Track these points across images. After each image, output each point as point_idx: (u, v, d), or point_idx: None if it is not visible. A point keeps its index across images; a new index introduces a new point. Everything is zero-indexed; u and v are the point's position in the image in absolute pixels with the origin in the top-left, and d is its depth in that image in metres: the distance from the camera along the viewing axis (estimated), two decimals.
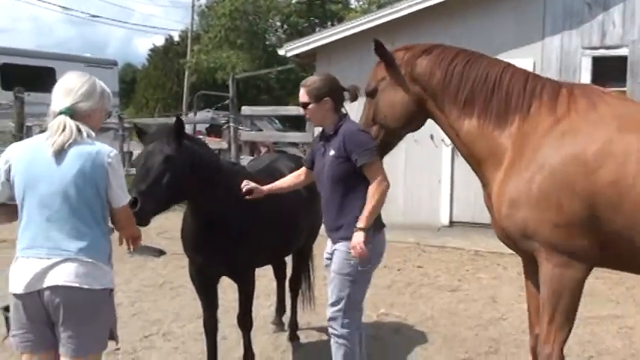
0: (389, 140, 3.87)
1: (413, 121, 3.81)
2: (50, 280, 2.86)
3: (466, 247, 9.00)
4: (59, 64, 17.82)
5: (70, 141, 2.90)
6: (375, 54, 3.78)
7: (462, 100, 3.59)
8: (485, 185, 3.66)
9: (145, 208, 3.55)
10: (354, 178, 3.73)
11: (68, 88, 3.01)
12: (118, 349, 5.16)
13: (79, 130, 2.93)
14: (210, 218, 4.20)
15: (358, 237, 3.62)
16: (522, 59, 8.63)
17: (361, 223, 3.64)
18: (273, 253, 4.40)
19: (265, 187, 4.09)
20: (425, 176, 10.31)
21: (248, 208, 4.11)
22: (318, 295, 6.55)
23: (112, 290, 3.04)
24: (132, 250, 3.46)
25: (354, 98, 3.91)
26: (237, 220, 4.18)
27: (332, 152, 3.78)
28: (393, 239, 9.25)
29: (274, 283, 5.94)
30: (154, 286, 7.06)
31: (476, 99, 3.57)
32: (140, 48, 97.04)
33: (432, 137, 9.72)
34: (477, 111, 3.57)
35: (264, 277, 6.45)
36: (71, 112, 2.96)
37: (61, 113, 2.95)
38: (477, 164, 3.67)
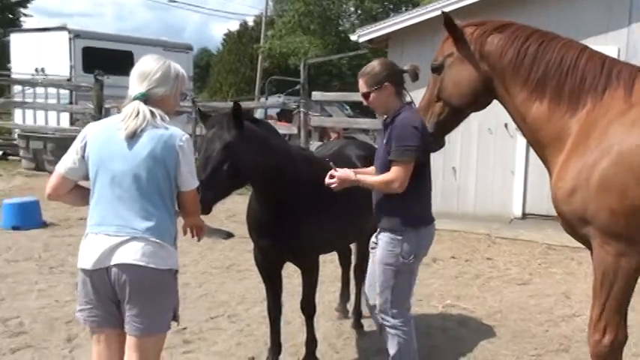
0: (452, 119, 3.76)
1: (478, 100, 3.68)
2: (118, 258, 2.92)
3: (539, 240, 8.71)
4: (137, 48, 18.21)
5: (143, 125, 2.95)
6: (445, 28, 3.66)
7: (534, 81, 3.44)
8: (550, 171, 3.52)
9: (205, 198, 3.51)
10: None
11: (144, 73, 3.05)
12: (184, 328, 5.26)
13: (152, 115, 2.98)
14: (274, 202, 4.17)
15: (346, 172, 3.72)
16: (606, 46, 8.25)
17: (357, 173, 3.76)
18: (338, 239, 4.35)
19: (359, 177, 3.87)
20: (498, 166, 10.05)
21: (314, 194, 4.06)
22: None
23: (176, 271, 3.08)
24: (197, 240, 3.50)
25: (414, 78, 3.79)
26: (302, 206, 4.15)
27: (384, 140, 3.72)
28: (462, 229, 9.21)
29: (340, 270, 5.91)
30: (222, 268, 7.14)
31: (548, 81, 3.41)
32: (216, 33, 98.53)
33: (506, 126, 9.46)
34: (549, 94, 3.41)
35: (331, 262, 6.44)
36: (145, 98, 3.01)
37: (135, 99, 3.01)
38: (542, 148, 3.53)
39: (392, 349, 3.90)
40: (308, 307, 4.53)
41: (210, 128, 3.88)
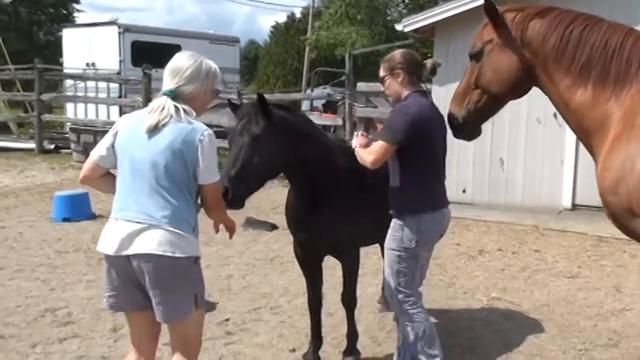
0: (490, 106, 3.67)
1: (518, 87, 3.58)
2: (136, 248, 2.99)
3: (589, 232, 8.48)
4: (185, 41, 18.40)
5: (165, 120, 3.00)
6: (485, 13, 3.57)
7: (578, 67, 3.32)
8: (596, 159, 3.40)
9: (236, 192, 3.52)
10: (401, 155, 3.76)
11: (175, 70, 3.10)
12: (227, 320, 5.31)
13: (176, 110, 3.03)
14: (310, 195, 4.15)
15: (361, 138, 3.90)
16: None
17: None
18: (377, 231, 4.31)
19: None
20: (547, 157, 9.83)
21: (351, 185, 4.03)
22: (427, 275, 6.42)
23: (197, 258, 3.10)
24: (230, 238, 3.52)
25: (432, 73, 3.93)
26: (339, 197, 4.11)
27: None
28: (510, 221, 9.05)
29: (382, 262, 5.85)
30: (265, 259, 7.17)
31: (593, 67, 3.28)
32: (263, 25, 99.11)
33: (555, 116, 9.20)
34: (593, 79, 3.28)
35: (374, 254, 6.40)
36: (174, 94, 3.07)
37: (164, 94, 3.06)
38: (587, 136, 3.40)
39: (410, 336, 3.94)
40: (349, 300, 4.50)
41: (238, 120, 3.85)
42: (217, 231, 3.39)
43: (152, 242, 2.97)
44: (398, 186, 3.83)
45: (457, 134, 3.79)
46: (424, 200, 3.80)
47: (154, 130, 3.00)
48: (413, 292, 3.92)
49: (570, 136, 9.48)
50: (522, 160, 9.97)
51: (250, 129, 3.76)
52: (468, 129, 3.72)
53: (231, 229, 3.40)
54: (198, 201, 3.20)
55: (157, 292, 3.02)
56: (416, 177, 3.78)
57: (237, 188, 3.54)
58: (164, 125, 3.00)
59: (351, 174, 4.10)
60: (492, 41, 3.54)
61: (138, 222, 3.00)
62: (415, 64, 3.89)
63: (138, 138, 3.05)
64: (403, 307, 3.91)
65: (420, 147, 3.74)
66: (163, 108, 3.02)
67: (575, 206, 9.76)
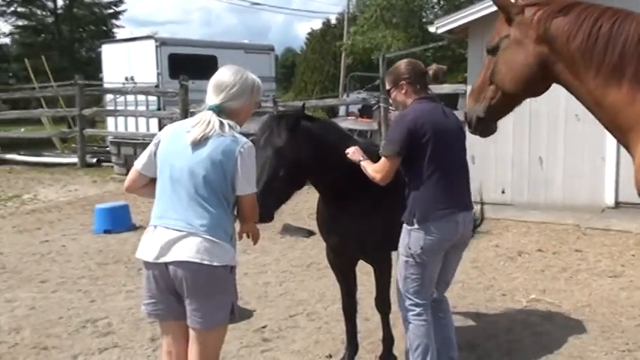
0: (504, 104, 3.54)
1: (533, 85, 3.45)
2: (174, 255, 3.03)
3: (633, 230, 8.28)
4: (220, 52, 18.61)
5: (210, 133, 3.06)
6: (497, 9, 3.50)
7: (610, 65, 3.19)
8: (633, 157, 3.28)
9: (264, 206, 3.48)
10: (406, 163, 3.76)
11: (221, 85, 3.16)
12: (264, 327, 5.33)
13: (221, 125, 3.09)
14: (339, 201, 4.15)
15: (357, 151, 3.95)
16: None
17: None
18: None
19: None
20: (587, 154, 9.61)
21: (381, 189, 4.01)
22: (464, 278, 6.36)
23: (232, 267, 3.13)
24: (254, 244, 3.56)
25: (434, 80, 3.97)
26: (367, 202, 4.09)
27: None
28: (550, 221, 8.88)
29: None
30: (302, 266, 7.18)
31: (626, 63, 3.14)
32: (300, 32, 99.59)
33: None
34: (628, 77, 3.14)
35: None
36: (219, 110, 3.12)
37: (210, 109, 3.12)
38: (622, 134, 3.26)
39: (406, 342, 3.97)
40: (383, 305, 4.48)
41: (261, 134, 3.86)
42: (241, 238, 3.42)
43: (190, 250, 3.01)
44: (407, 193, 3.82)
45: (471, 130, 3.72)
46: (432, 207, 3.73)
47: (198, 143, 3.06)
48: (420, 302, 3.86)
49: None
50: (562, 158, 9.79)
51: (274, 141, 3.78)
52: (482, 126, 3.63)
53: (255, 237, 3.44)
54: (235, 212, 3.25)
55: (194, 300, 3.06)
56: (421, 183, 3.74)
57: (266, 202, 3.52)
58: (207, 138, 3.06)
59: None
60: (509, 37, 3.45)
61: (176, 229, 3.06)
62: (418, 74, 3.90)
63: (179, 148, 3.11)
64: (407, 315, 3.89)
65: (423, 153, 3.70)
66: (209, 122, 3.08)
67: (618, 204, 9.52)
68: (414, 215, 3.75)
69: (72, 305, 5.94)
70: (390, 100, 4.07)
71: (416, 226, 3.74)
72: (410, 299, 3.87)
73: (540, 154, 9.94)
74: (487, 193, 10.09)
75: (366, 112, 16.25)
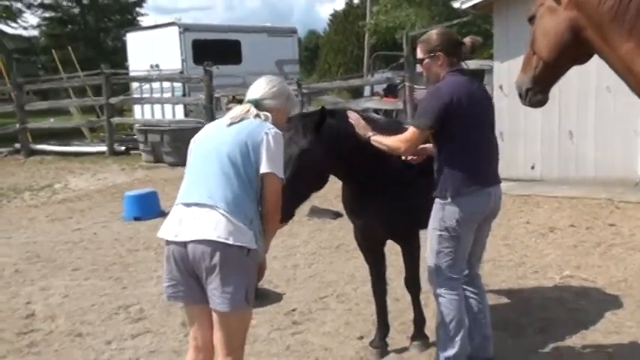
0: (548, 72, 3.49)
1: (569, 52, 3.37)
2: (192, 233, 3.04)
3: None
4: (243, 36, 18.60)
5: (246, 116, 3.23)
6: None
7: None
8: None
9: (285, 209, 3.40)
10: (439, 137, 3.72)
11: (262, 84, 3.39)
12: (294, 310, 5.33)
13: (257, 115, 3.23)
14: (363, 185, 4.12)
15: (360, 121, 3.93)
16: None
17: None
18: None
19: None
20: (618, 127, 9.40)
21: (405, 169, 3.95)
22: (495, 256, 6.29)
23: (249, 250, 3.07)
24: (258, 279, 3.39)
25: (471, 51, 3.87)
26: (392, 183, 4.05)
27: None
28: (582, 196, 8.73)
29: None
30: (330, 248, 7.16)
31: None
32: (322, 14, 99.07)
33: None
34: None
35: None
36: (257, 104, 3.28)
37: (249, 101, 3.31)
38: None
39: (437, 319, 3.90)
40: (413, 285, 4.45)
41: (286, 133, 3.77)
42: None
43: (207, 228, 3.01)
44: (438, 167, 3.76)
45: (522, 101, 3.67)
46: (465, 181, 3.69)
47: (232, 125, 3.21)
48: (453, 276, 3.82)
49: None
50: (592, 131, 9.59)
51: (298, 142, 3.76)
52: (531, 97, 3.58)
53: (260, 275, 3.32)
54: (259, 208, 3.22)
55: (212, 280, 3.05)
56: (455, 158, 3.70)
57: (285, 204, 3.40)
58: (242, 120, 3.22)
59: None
60: (544, 4, 3.40)
61: (197, 204, 3.08)
62: (454, 45, 3.80)
63: (212, 132, 3.31)
64: (439, 290, 3.84)
65: (457, 128, 3.65)
66: (248, 110, 3.26)
67: None
68: (447, 190, 3.70)
69: (104, 292, 6.00)
70: (422, 70, 3.95)
71: (449, 200, 3.69)
72: (443, 274, 3.82)
73: (570, 128, 9.76)
74: (516, 169, 9.97)
75: (390, 91, 16.09)
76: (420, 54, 3.85)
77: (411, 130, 3.72)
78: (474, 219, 3.79)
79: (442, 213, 3.73)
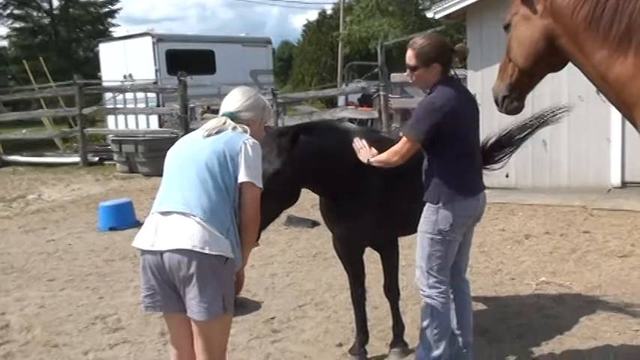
0: (524, 80, 3.56)
1: (545, 60, 3.44)
2: (168, 243, 3.01)
3: None
4: (217, 47, 18.58)
5: (222, 128, 3.21)
6: None
7: (616, 37, 3.16)
8: None
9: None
10: (432, 147, 3.71)
11: (235, 97, 3.37)
12: (273, 318, 5.32)
13: (234, 128, 3.22)
14: (340, 194, 4.13)
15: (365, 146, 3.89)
16: None
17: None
18: (413, 220, 4.26)
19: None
20: (592, 135, 9.56)
21: (382, 177, 3.97)
22: (472, 263, 6.32)
23: (227, 259, 3.05)
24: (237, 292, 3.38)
25: (462, 59, 3.88)
26: (370, 190, 4.06)
27: None
28: (556, 203, 8.84)
29: None
30: (308, 256, 7.16)
31: (633, 34, 3.12)
32: (296, 25, 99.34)
33: (598, 92, 8.93)
34: (634, 48, 3.13)
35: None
36: (233, 116, 3.27)
37: (224, 115, 3.30)
38: (628, 109, 3.25)
39: (425, 320, 3.88)
40: (391, 292, 4.46)
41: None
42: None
43: (183, 237, 2.98)
44: (431, 174, 3.77)
45: (499, 109, 3.72)
46: (459, 188, 3.73)
47: (208, 135, 3.19)
48: (444, 279, 3.85)
49: (616, 112, 9.15)
50: (566, 140, 9.73)
51: (272, 162, 3.73)
52: (507, 104, 3.64)
53: (239, 286, 3.34)
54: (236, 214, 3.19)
55: (189, 289, 3.02)
56: (448, 166, 3.72)
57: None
58: (218, 132, 3.20)
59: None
60: (519, 12, 3.46)
61: (173, 212, 3.05)
62: (449, 54, 3.78)
63: (188, 142, 3.29)
64: (429, 292, 3.84)
65: (450, 138, 3.67)
66: (225, 122, 3.25)
67: (625, 184, 9.50)
68: (441, 196, 3.71)
69: (81, 302, 5.93)
70: (412, 79, 3.86)
71: (445, 204, 3.71)
72: (434, 277, 3.82)
73: (544, 137, 9.87)
74: (491, 177, 10.00)
75: (365, 101, 16.19)
76: (412, 62, 3.76)
77: (403, 142, 3.70)
78: (466, 222, 3.84)
79: (435, 217, 3.74)
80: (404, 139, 3.72)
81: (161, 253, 3.02)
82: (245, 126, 3.25)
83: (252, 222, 3.18)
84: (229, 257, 3.06)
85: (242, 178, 3.10)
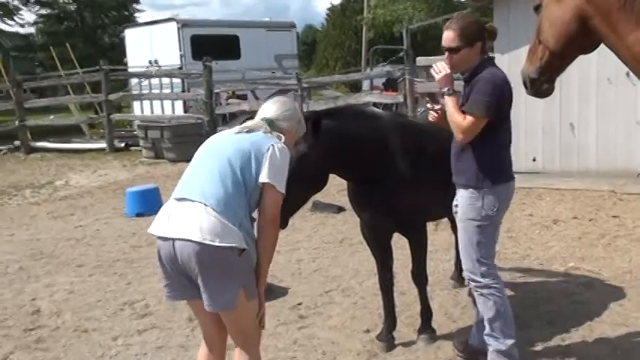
0: (554, 62, 3.45)
1: (576, 42, 3.34)
2: (180, 232, 2.99)
3: None
4: (242, 31, 18.54)
5: (256, 129, 3.24)
6: None
7: None
8: None
9: (283, 215, 3.34)
10: (484, 127, 3.63)
11: (277, 104, 3.41)
12: (299, 304, 5.33)
13: (267, 132, 3.24)
14: (368, 180, 4.11)
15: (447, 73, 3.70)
16: None
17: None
18: (440, 205, 4.22)
19: None
20: (620, 118, 9.39)
21: (409, 161, 3.95)
22: (500, 249, 6.27)
23: (242, 250, 3.02)
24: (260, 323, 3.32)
25: (492, 38, 3.82)
26: (398, 174, 4.05)
27: (464, 97, 3.71)
28: (584, 188, 8.73)
29: (453, 238, 5.74)
30: (334, 242, 7.15)
31: None
32: (320, 8, 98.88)
33: (628, 75, 8.80)
34: None
35: (443, 230, 6.28)
36: (270, 123, 3.29)
37: (262, 119, 3.32)
38: None
39: (489, 312, 3.80)
40: (419, 277, 4.44)
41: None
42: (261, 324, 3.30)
43: (193, 227, 2.95)
44: (471, 158, 3.69)
45: (527, 91, 3.65)
46: (502, 170, 3.73)
47: (240, 132, 3.23)
48: (494, 266, 3.82)
49: None
50: (594, 123, 9.58)
51: (297, 146, 3.71)
52: (537, 87, 3.57)
53: (261, 317, 3.26)
54: (254, 215, 3.19)
55: (201, 281, 3.01)
56: (496, 148, 3.70)
57: (286, 208, 3.35)
58: (251, 131, 3.23)
59: (409, 149, 4.04)
60: None
61: (187, 200, 3.04)
62: (486, 32, 3.75)
63: (219, 136, 3.35)
64: (486, 281, 3.76)
65: (502, 118, 3.66)
66: (260, 125, 3.28)
67: None
68: (486, 179, 3.67)
69: (109, 288, 6.00)
70: (451, 62, 3.73)
71: (490, 188, 3.67)
72: (486, 264, 3.77)
73: (571, 121, 9.74)
74: (517, 162, 9.93)
75: (390, 85, 16.06)
76: (455, 42, 3.66)
77: (470, 120, 3.60)
78: (508, 206, 3.84)
79: (481, 202, 3.68)
80: (469, 117, 3.61)
81: (173, 240, 3.01)
82: (280, 134, 3.26)
83: (269, 225, 3.12)
84: (243, 248, 3.02)
85: (263, 178, 3.07)
